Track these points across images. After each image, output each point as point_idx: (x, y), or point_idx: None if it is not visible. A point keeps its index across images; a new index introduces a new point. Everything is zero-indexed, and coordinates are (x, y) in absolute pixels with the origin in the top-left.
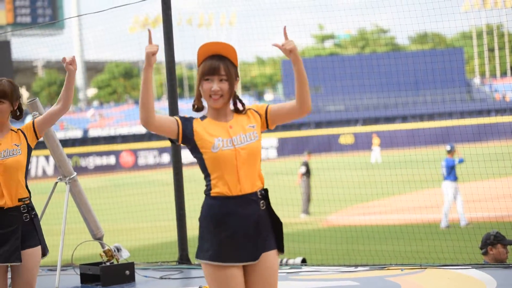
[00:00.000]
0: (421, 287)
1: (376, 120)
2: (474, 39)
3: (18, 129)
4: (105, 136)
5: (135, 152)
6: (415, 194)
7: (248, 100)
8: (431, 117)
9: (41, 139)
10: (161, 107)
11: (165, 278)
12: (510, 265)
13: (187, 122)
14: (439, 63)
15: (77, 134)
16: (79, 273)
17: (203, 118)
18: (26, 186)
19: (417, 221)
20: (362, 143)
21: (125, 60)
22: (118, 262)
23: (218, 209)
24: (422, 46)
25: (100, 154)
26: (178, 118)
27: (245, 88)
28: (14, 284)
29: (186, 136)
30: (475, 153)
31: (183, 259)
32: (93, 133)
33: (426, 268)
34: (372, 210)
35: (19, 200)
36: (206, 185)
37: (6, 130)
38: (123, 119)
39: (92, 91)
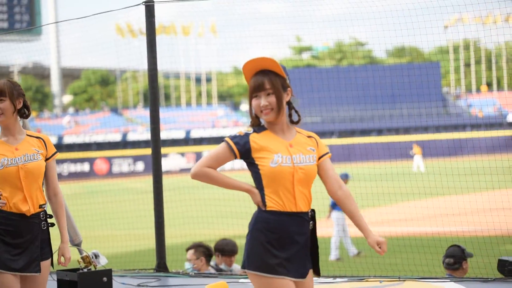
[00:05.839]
0: None
1: (352, 133)
2: (451, 53)
3: (38, 137)
4: (80, 143)
5: (109, 159)
6: (393, 206)
7: (224, 110)
8: (407, 130)
9: None
10: (137, 115)
11: (142, 286)
12: (489, 279)
13: (240, 139)
14: (416, 77)
15: (52, 140)
16: (56, 279)
17: (260, 130)
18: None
19: (396, 233)
20: (337, 155)
21: (102, 67)
22: (95, 268)
23: (273, 224)
24: (399, 59)
25: (74, 161)
26: (228, 140)
27: (221, 98)
28: None
29: (243, 152)
30: (450, 167)
31: (161, 267)
32: (67, 139)
33: (404, 280)
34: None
35: (40, 206)
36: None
37: (21, 134)
38: (98, 126)
39: (68, 98)
